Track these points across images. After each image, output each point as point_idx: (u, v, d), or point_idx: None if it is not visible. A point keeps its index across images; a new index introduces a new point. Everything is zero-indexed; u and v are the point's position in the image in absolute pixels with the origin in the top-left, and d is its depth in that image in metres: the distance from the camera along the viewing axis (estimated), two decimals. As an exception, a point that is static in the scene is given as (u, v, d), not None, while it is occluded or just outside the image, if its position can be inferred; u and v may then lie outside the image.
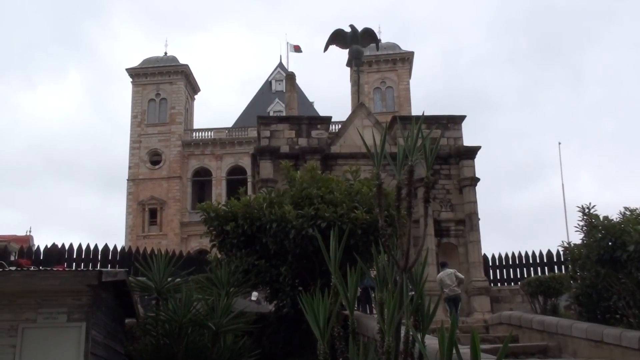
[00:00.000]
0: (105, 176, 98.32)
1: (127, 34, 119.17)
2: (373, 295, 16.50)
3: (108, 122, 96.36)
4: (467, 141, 23.63)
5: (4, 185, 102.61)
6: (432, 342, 5.99)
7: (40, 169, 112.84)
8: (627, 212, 10.41)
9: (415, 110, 55.40)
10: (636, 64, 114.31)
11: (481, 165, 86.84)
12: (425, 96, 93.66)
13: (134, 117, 60.41)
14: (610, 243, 10.01)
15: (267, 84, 66.71)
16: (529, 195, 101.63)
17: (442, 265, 17.53)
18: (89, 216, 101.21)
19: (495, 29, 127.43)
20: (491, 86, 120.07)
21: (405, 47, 60.91)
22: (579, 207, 10.90)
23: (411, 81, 59.87)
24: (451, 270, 16.92)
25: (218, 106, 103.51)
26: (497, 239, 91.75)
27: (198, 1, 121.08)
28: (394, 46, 61.11)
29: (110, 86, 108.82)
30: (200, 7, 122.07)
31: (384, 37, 56.21)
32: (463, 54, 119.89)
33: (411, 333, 4.06)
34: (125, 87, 61.54)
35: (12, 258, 21.79)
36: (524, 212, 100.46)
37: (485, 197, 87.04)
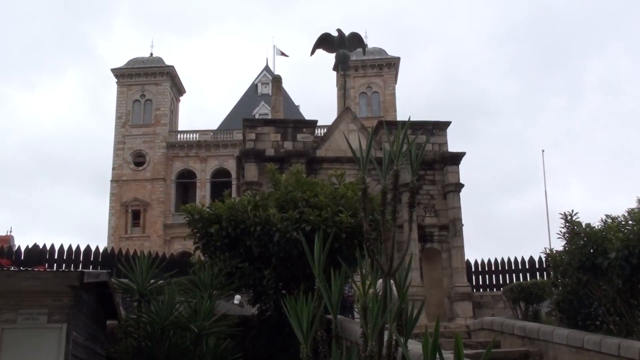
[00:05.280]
0: (96, 177, 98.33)
1: (124, 35, 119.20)
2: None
3: (102, 123, 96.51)
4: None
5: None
6: (415, 346, 6.01)
7: (34, 170, 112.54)
8: (609, 220, 10.50)
9: (401, 116, 55.65)
10: (636, 74, 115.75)
11: (476, 171, 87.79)
12: (426, 103, 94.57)
13: (118, 117, 60.07)
14: (591, 250, 10.09)
15: (253, 86, 66.65)
16: (521, 201, 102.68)
17: None
18: (80, 218, 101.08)
19: (497, 37, 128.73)
20: (491, 93, 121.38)
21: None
22: (561, 214, 10.99)
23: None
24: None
25: (203, 108, 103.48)
26: (488, 244, 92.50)
27: (188, 5, 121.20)
28: (381, 51, 61.37)
29: (106, 87, 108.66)
30: (189, 10, 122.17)
31: (381, 44, 56.50)
32: (464, 62, 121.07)
33: (394, 337, 4.07)
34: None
35: (-8, 258, 21.53)
36: (515, 218, 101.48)
37: (479, 204, 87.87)
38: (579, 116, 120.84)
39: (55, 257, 22.41)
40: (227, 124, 61.49)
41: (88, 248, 22.95)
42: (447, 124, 24.03)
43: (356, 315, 16.46)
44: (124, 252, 23.08)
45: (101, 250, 23.57)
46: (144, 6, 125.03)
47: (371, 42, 58.49)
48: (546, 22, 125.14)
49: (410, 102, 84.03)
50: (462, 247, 22.12)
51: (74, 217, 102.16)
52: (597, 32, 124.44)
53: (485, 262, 24.83)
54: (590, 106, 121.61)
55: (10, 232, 43.64)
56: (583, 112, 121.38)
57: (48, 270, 14.70)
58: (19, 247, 23.12)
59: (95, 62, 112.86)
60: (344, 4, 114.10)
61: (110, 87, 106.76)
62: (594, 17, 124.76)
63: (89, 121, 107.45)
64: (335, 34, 26.09)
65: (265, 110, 58.25)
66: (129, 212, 56.99)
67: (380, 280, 4.28)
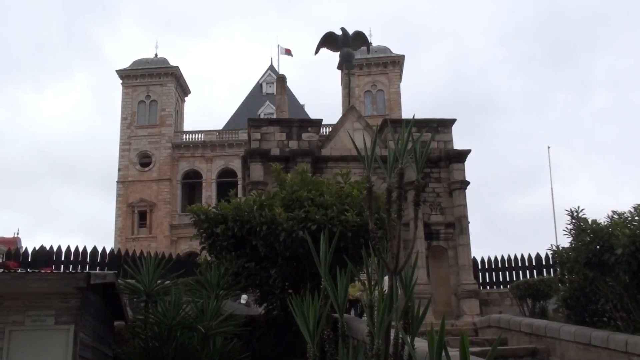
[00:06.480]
0: (103, 179, 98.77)
1: (131, 37, 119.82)
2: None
3: (109, 124, 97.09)
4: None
5: (5, 187, 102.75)
6: (421, 344, 6.01)
7: (41, 171, 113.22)
8: (615, 216, 10.47)
9: (406, 114, 55.56)
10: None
11: (483, 168, 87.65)
12: (433, 101, 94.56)
13: (123, 119, 60.20)
14: (598, 246, 10.07)
15: (258, 86, 66.69)
16: (528, 198, 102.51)
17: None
18: (87, 219, 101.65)
19: (504, 34, 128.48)
20: (498, 90, 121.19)
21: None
22: (567, 210, 10.96)
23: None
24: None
25: (209, 108, 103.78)
26: (494, 241, 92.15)
27: (193, 6, 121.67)
28: (385, 49, 61.30)
29: (113, 89, 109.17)
30: (194, 11, 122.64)
31: (387, 42, 56.42)
32: (471, 59, 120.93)
33: (401, 336, 4.06)
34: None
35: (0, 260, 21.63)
36: (521, 215, 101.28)
37: (486, 201, 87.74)
38: (586, 112, 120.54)
39: (62, 258, 22.52)
40: (233, 124, 61.55)
41: (95, 249, 23.04)
42: (453, 121, 23.98)
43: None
44: (130, 253, 23.13)
45: (108, 251, 23.67)
46: (150, 7, 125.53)
47: (376, 41, 58.50)
48: (554, 17, 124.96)
49: (417, 100, 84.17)
50: (468, 245, 22.08)
51: (81, 218, 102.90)
52: (605, 28, 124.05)
53: (492, 259, 24.81)
54: (598, 102, 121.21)
55: (18, 234, 43.70)
56: (591, 108, 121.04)
57: (55, 271, 14.75)
58: (26, 249, 23.24)
59: (102, 63, 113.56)
60: (349, 3, 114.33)
61: (117, 88, 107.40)
62: (602, 12, 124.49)
63: (97, 122, 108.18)
64: (339, 32, 26.08)
65: (270, 109, 58.27)
66: (135, 213, 57.10)
67: (387, 279, 4.28)
